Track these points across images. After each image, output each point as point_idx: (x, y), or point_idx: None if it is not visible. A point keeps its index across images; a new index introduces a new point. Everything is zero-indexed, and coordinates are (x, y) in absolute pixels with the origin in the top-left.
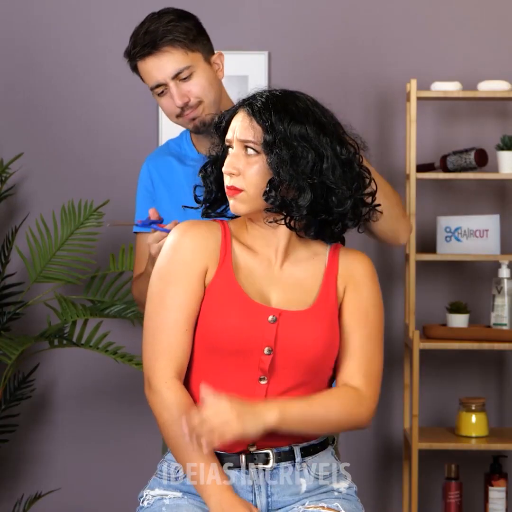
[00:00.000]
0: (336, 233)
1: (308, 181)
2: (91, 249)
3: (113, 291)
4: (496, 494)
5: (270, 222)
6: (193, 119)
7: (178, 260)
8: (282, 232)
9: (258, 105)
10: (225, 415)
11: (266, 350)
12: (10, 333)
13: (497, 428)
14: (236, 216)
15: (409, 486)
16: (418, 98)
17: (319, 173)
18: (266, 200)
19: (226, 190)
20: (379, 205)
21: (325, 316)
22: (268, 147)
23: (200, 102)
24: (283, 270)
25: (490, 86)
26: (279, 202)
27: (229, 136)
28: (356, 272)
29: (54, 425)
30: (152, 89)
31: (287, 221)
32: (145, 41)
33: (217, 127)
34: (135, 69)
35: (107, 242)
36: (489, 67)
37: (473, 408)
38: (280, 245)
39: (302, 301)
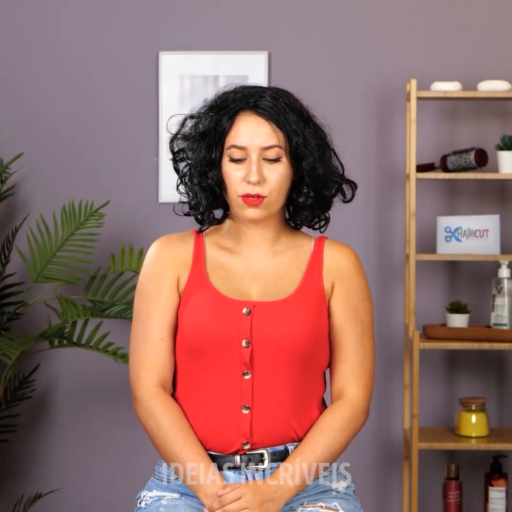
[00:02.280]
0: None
1: (335, 176)
2: (91, 249)
3: (113, 291)
4: (496, 494)
5: (297, 226)
6: None
7: (150, 274)
8: (269, 231)
9: (269, 106)
10: (248, 506)
11: (244, 343)
12: (10, 333)
13: (497, 428)
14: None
15: (409, 486)
16: (418, 98)
17: (332, 165)
18: (304, 201)
19: (244, 199)
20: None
21: (307, 304)
22: (296, 150)
23: None
24: (266, 265)
25: (490, 86)
26: (312, 199)
27: (243, 142)
28: (342, 265)
29: (54, 425)
30: None
31: (312, 219)
32: None
33: (214, 132)
34: None
35: (107, 242)
36: (489, 67)
37: (473, 408)
38: (263, 243)
39: (283, 292)
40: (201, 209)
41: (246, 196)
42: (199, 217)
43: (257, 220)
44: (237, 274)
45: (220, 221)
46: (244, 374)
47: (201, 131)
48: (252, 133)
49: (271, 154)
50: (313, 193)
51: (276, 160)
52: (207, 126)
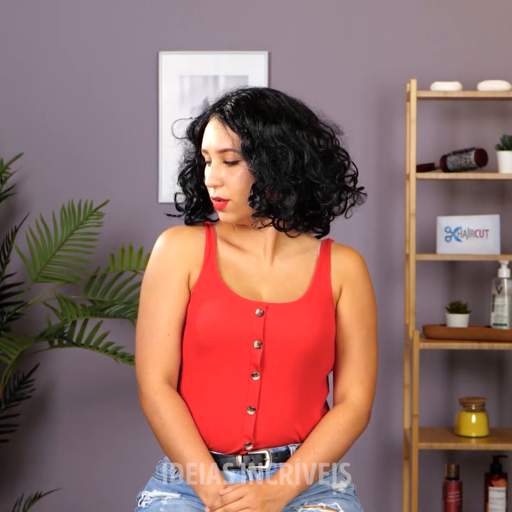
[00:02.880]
0: (325, 224)
1: (292, 181)
2: (91, 249)
3: (113, 291)
4: (496, 494)
5: (259, 227)
6: None
7: (160, 268)
8: (270, 230)
9: (229, 110)
10: (250, 505)
11: (255, 344)
12: (10, 333)
13: (497, 428)
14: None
15: (409, 486)
16: (418, 98)
17: (301, 171)
18: (252, 205)
19: (212, 202)
20: (362, 187)
21: (316, 307)
22: (247, 153)
23: None
24: (273, 266)
25: (490, 86)
26: (265, 206)
27: (205, 146)
28: (350, 269)
29: (54, 425)
30: None
31: (276, 223)
32: None
33: (191, 135)
34: None
35: (107, 242)
36: (489, 67)
37: (473, 408)
38: (269, 242)
39: (293, 294)
40: (185, 210)
41: (213, 199)
42: (186, 218)
43: (232, 223)
44: (247, 272)
45: (207, 219)
46: (253, 375)
47: (189, 136)
48: (210, 136)
49: (228, 157)
50: (264, 201)
51: (234, 163)
52: (193, 132)
